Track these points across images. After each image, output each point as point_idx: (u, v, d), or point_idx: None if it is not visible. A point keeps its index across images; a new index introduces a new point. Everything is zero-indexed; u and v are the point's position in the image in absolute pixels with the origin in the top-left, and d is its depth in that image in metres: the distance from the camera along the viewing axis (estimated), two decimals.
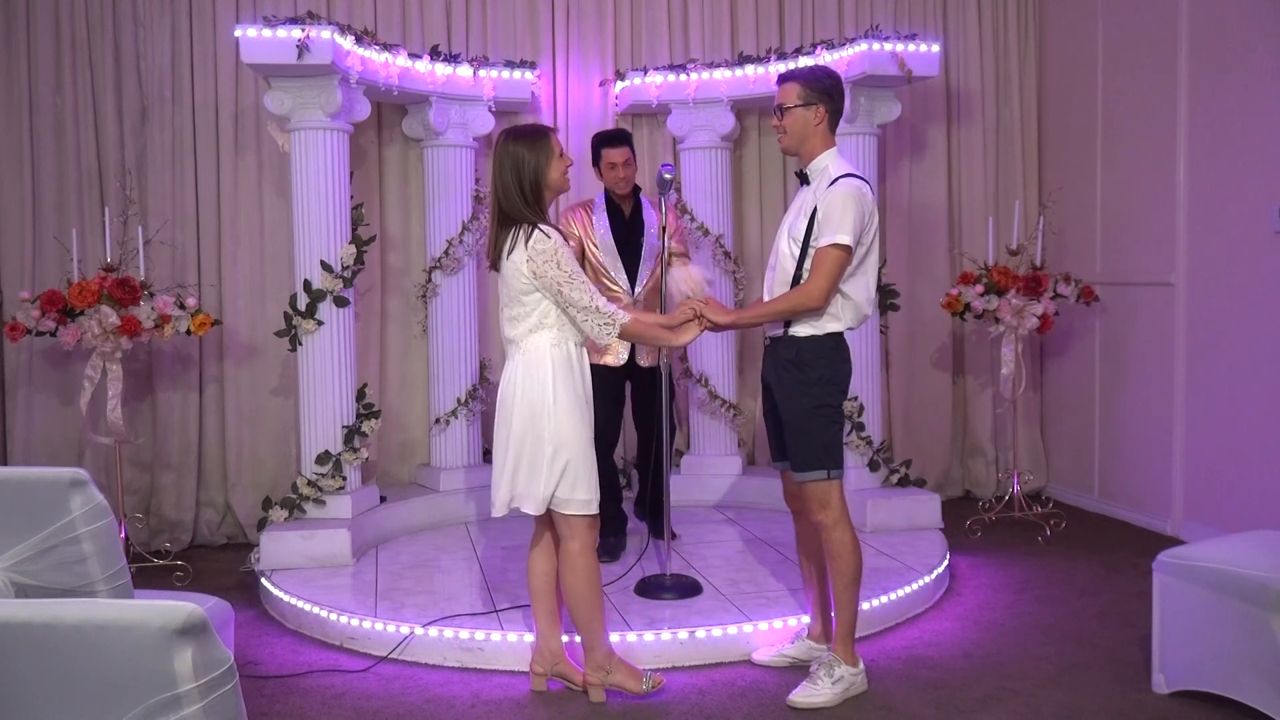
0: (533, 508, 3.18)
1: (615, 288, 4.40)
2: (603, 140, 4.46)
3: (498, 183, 3.19)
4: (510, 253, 3.14)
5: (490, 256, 3.25)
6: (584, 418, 3.20)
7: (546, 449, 3.14)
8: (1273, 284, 4.55)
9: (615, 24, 5.60)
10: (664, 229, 3.95)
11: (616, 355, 4.38)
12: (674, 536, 4.44)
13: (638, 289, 4.42)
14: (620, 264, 4.43)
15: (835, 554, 3.31)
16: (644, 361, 4.46)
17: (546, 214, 3.22)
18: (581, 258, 4.39)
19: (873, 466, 5.06)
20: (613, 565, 4.31)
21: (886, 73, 4.72)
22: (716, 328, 3.39)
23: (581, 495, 3.18)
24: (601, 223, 4.46)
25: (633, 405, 4.64)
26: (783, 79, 3.38)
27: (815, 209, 3.22)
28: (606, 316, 3.15)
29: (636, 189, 4.56)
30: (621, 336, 3.20)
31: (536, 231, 3.11)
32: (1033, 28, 6.00)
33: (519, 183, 3.15)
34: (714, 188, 5.31)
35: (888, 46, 4.72)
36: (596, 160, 4.47)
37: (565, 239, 3.22)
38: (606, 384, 4.20)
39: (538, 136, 3.21)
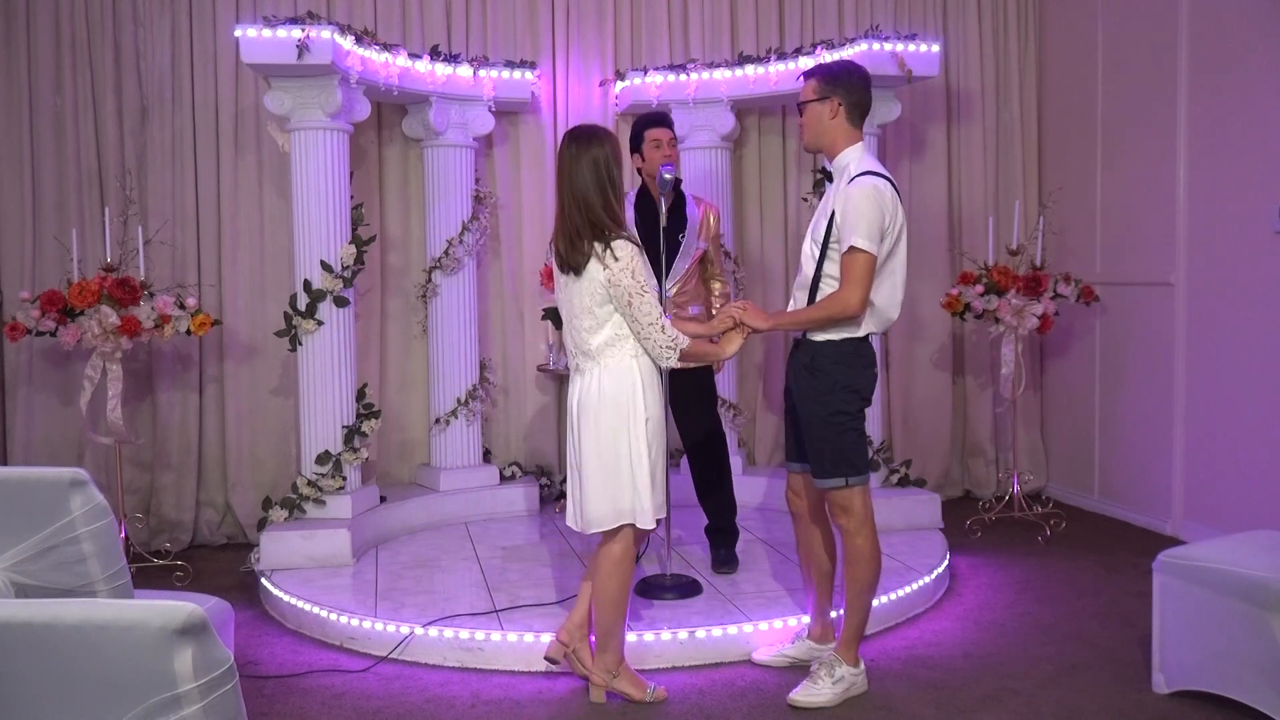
0: (648, 521, 3.14)
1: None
2: (646, 122, 4.30)
3: (575, 187, 3.08)
4: (588, 263, 3.07)
5: (567, 262, 3.11)
6: (664, 426, 3.22)
7: (645, 461, 3.12)
8: (1273, 284, 4.55)
9: (615, 24, 5.60)
10: (666, 228, 3.94)
11: None
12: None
13: (669, 284, 4.20)
14: (646, 259, 4.25)
15: (853, 560, 3.28)
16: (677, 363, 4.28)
17: (625, 217, 3.16)
18: None
19: (873, 466, 5.06)
20: None
21: (886, 73, 4.72)
22: (757, 332, 3.31)
23: (658, 500, 3.18)
24: (629, 216, 4.24)
25: (675, 415, 4.37)
26: (803, 75, 3.34)
27: (834, 210, 3.16)
28: (670, 339, 3.09)
29: (678, 181, 4.35)
30: (680, 359, 3.15)
31: (616, 241, 3.06)
32: (1033, 28, 6.00)
33: (601, 187, 3.08)
34: (714, 188, 5.31)
35: (888, 46, 4.72)
36: (637, 145, 4.29)
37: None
38: None
39: (611, 137, 3.16)
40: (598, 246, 3.06)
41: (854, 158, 3.22)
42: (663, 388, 3.23)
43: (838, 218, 3.14)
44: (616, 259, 3.03)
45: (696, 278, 4.37)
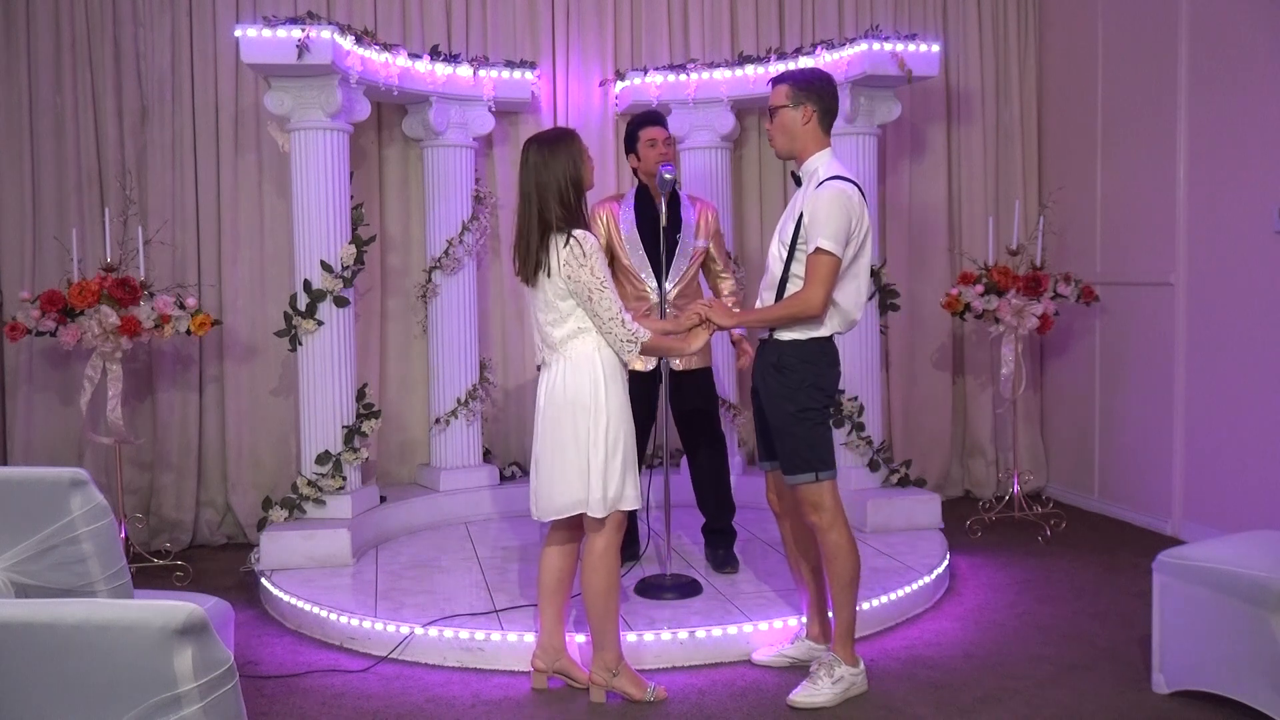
0: (600, 510, 3.15)
1: (643, 288, 4.21)
2: (640, 121, 4.27)
3: (533, 190, 3.14)
4: (548, 260, 3.11)
5: (526, 269, 3.17)
6: (630, 417, 3.22)
7: (602, 450, 3.13)
8: (1273, 284, 4.55)
9: (615, 24, 5.60)
10: (665, 227, 3.94)
11: (645, 361, 4.18)
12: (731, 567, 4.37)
13: (667, 287, 4.14)
14: (646, 260, 4.22)
15: (830, 556, 3.30)
16: (678, 364, 4.24)
17: (586, 215, 3.20)
18: (610, 257, 4.19)
19: (873, 466, 5.06)
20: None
21: (886, 73, 4.72)
22: (721, 329, 3.37)
23: (629, 492, 3.19)
24: (628, 216, 4.26)
25: (674, 415, 4.35)
26: (773, 81, 3.37)
27: (803, 213, 3.21)
28: (630, 332, 3.13)
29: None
30: (642, 353, 3.19)
31: (573, 236, 3.09)
32: (1033, 28, 6.00)
33: (561, 188, 3.12)
34: (714, 188, 5.31)
35: (888, 46, 4.72)
36: (632, 145, 4.26)
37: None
38: (636, 390, 4.07)
39: (572, 138, 3.20)
40: (557, 241, 3.09)
41: (822, 162, 3.28)
42: (625, 380, 3.23)
43: (806, 220, 3.19)
44: (576, 254, 3.06)
45: (698, 279, 4.37)
